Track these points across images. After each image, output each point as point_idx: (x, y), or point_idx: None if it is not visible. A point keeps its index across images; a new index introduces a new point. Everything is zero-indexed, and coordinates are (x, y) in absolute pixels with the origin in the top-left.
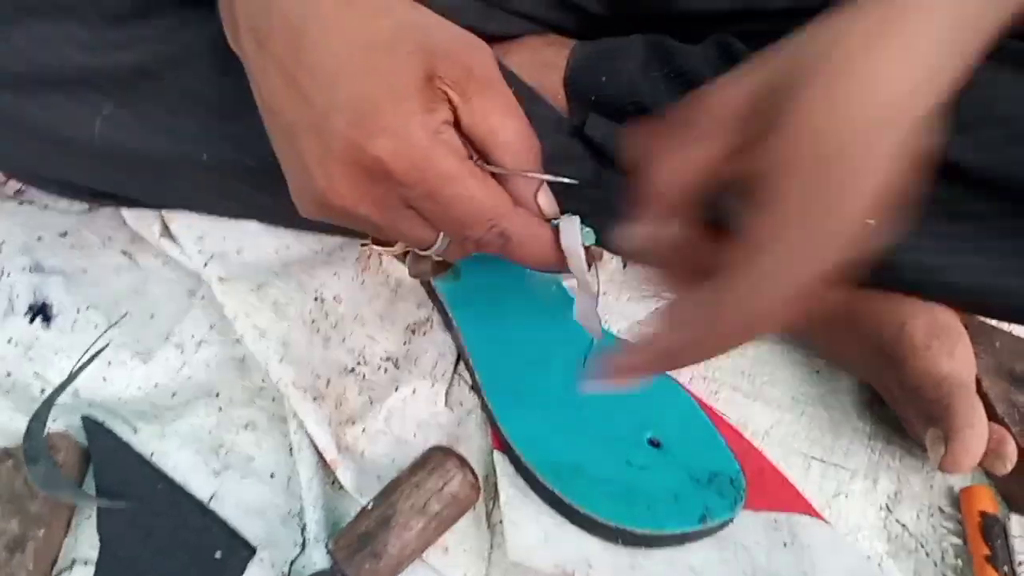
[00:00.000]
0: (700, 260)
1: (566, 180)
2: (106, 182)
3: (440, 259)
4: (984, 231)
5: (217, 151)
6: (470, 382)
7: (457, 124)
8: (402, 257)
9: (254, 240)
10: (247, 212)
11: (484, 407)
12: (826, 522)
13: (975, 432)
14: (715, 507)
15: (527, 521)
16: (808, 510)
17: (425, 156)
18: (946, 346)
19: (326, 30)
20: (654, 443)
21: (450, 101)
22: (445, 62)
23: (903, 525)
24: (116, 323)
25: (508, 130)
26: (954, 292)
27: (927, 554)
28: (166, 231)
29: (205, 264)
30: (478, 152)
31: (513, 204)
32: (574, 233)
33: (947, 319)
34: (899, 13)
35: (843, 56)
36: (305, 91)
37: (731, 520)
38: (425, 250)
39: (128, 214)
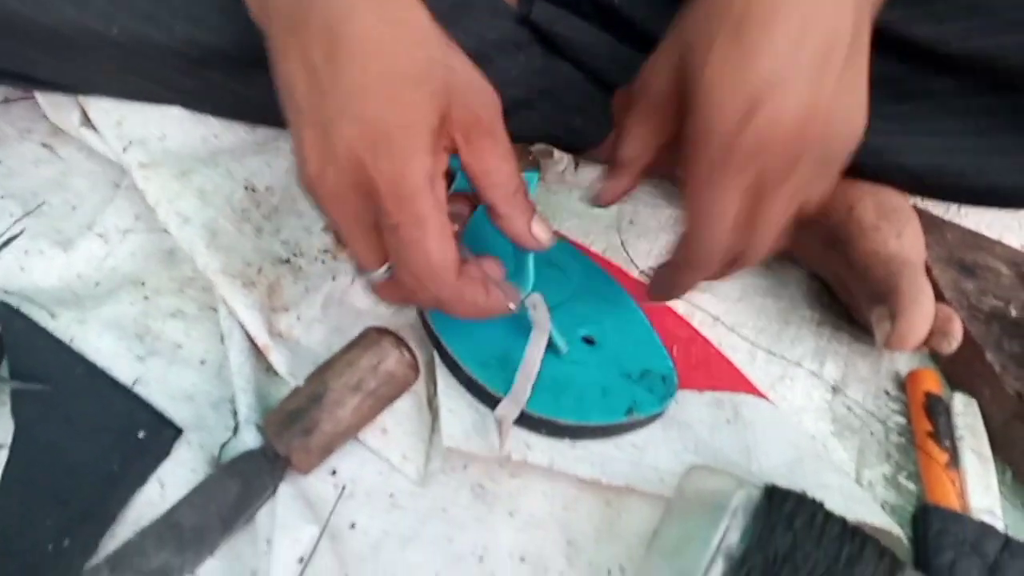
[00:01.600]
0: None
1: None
2: (15, 60)
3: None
4: (938, 110)
5: (128, 26)
6: None
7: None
8: None
9: (178, 126)
10: (169, 96)
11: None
12: (771, 402)
13: (921, 309)
14: (643, 401)
15: (465, 408)
16: (753, 390)
17: (413, 194)
18: (895, 227)
19: (364, 45)
20: (588, 340)
21: (454, 141)
22: (460, 107)
23: (848, 407)
24: (32, 211)
25: (502, 172)
26: (905, 173)
27: (871, 433)
28: (86, 121)
29: (124, 149)
30: (474, 188)
31: (456, 274)
32: (542, 342)
33: (897, 201)
34: None
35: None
36: (324, 90)
37: (659, 414)
38: (364, 272)
39: (46, 103)
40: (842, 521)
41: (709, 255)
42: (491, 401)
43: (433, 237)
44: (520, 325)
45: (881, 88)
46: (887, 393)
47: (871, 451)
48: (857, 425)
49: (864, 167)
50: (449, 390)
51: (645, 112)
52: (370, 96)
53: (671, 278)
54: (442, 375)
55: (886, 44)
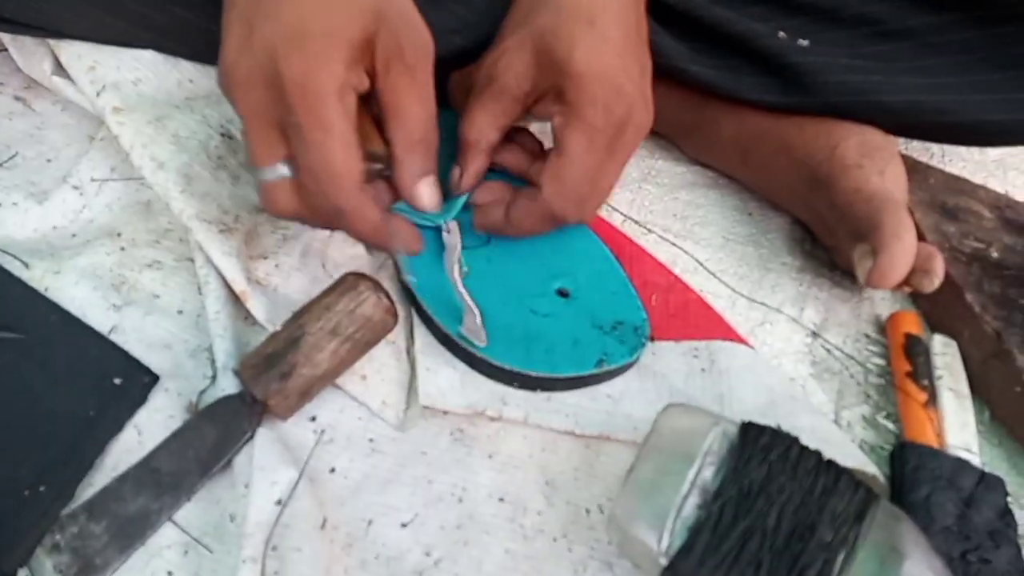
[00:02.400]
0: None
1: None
2: None
3: None
4: (918, 48)
5: None
6: None
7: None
8: None
9: (152, 70)
10: (139, 36)
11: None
12: (749, 347)
13: (903, 245)
14: (614, 352)
15: (442, 365)
16: (732, 336)
17: (319, 99)
18: (877, 165)
19: None
20: (562, 293)
21: (374, 69)
22: (387, 34)
23: (828, 350)
24: (5, 163)
25: (411, 113)
26: (887, 112)
27: (851, 375)
28: (58, 69)
29: (98, 94)
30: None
31: (358, 185)
32: (453, 256)
33: (879, 140)
34: None
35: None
36: None
37: (631, 365)
38: (257, 169)
39: (17, 53)
40: (817, 454)
41: (563, 198)
42: (466, 356)
43: (337, 142)
44: (495, 282)
45: (861, 27)
46: (867, 336)
47: (850, 392)
48: (836, 368)
49: (846, 107)
50: (427, 348)
51: (494, 97)
52: (301, 1)
53: (530, 215)
54: (419, 333)
55: None
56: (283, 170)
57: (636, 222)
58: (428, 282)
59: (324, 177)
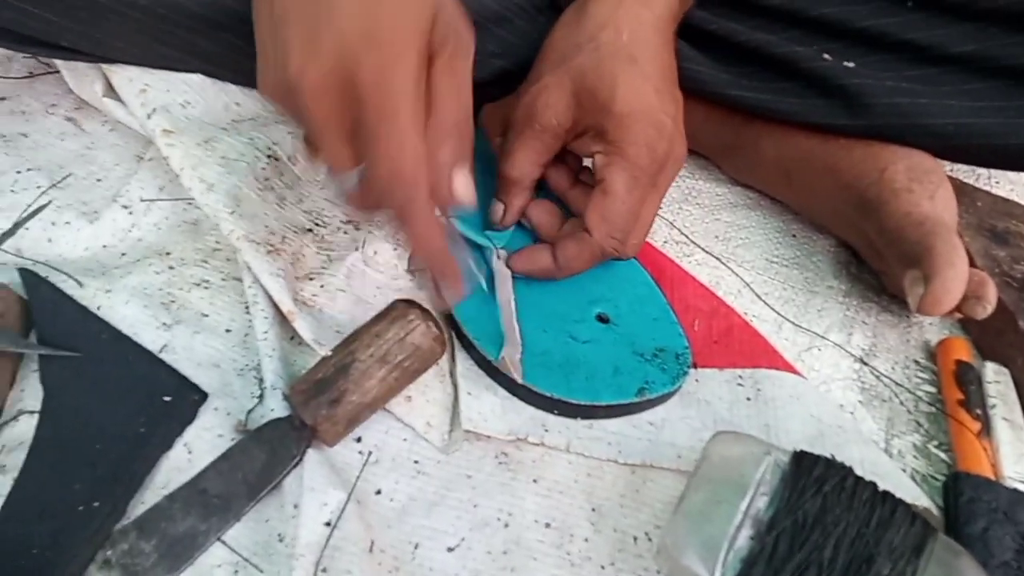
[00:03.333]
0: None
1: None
2: (40, 27)
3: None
4: (965, 72)
5: None
6: None
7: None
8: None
9: (200, 94)
10: (188, 62)
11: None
12: (798, 373)
13: (956, 271)
14: (656, 381)
15: (483, 390)
16: (778, 363)
17: (396, 92)
18: (927, 189)
19: None
20: (602, 319)
21: (433, 51)
22: (445, 18)
23: (877, 375)
24: (59, 183)
25: (449, 105)
26: (934, 135)
27: (901, 402)
28: (109, 91)
29: (148, 116)
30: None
31: (426, 179)
32: (506, 287)
33: (929, 164)
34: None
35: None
36: None
37: (673, 393)
38: (337, 175)
39: (69, 76)
40: (872, 485)
41: (613, 237)
42: (506, 381)
43: (410, 136)
44: (534, 308)
45: (908, 51)
46: (916, 363)
47: (900, 421)
48: (886, 395)
49: (893, 129)
50: (468, 372)
51: (535, 135)
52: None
53: (579, 256)
54: (461, 357)
55: (915, 5)
56: (360, 169)
57: (678, 242)
58: (469, 305)
59: (396, 172)
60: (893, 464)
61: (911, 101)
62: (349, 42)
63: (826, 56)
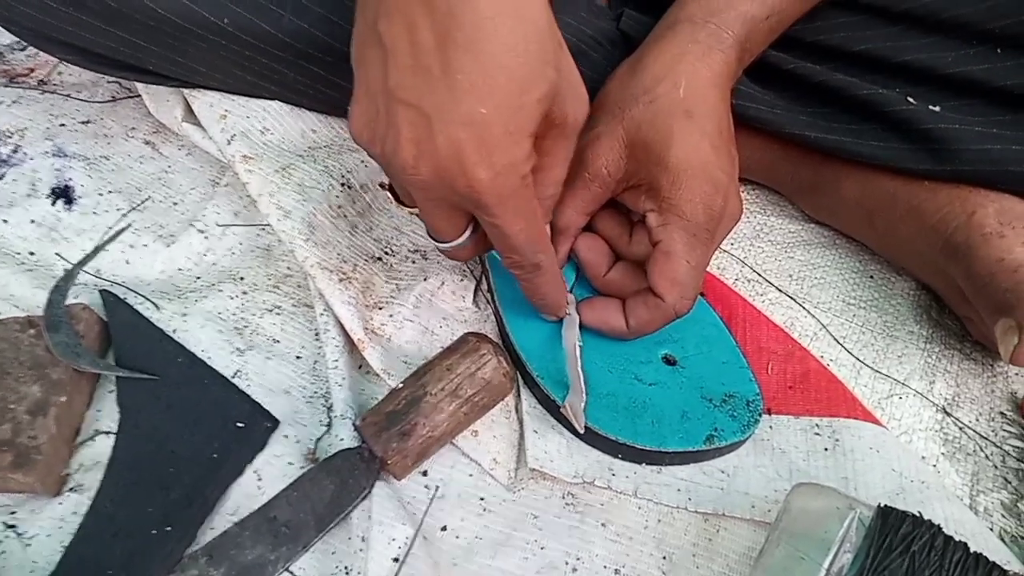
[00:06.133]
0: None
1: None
2: (126, 51)
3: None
4: None
5: (238, 16)
6: (486, 287)
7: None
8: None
9: (278, 120)
10: (267, 89)
11: (496, 314)
12: (878, 423)
13: None
14: (725, 428)
15: (548, 430)
16: (857, 412)
17: (511, 195)
18: (1020, 235)
19: (482, 36)
20: (669, 360)
21: (550, 122)
22: (556, 107)
23: (961, 427)
24: (138, 206)
25: (557, 172)
26: None
27: (987, 456)
28: (188, 116)
29: (229, 142)
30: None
31: (546, 248)
32: (573, 333)
33: (1020, 208)
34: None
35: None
36: (432, 76)
37: (743, 442)
38: (443, 242)
39: (150, 102)
40: (964, 546)
41: (685, 299)
42: (570, 423)
43: (527, 228)
44: (599, 348)
45: (997, 97)
46: (1003, 415)
47: (986, 476)
48: (971, 448)
49: (983, 176)
50: (533, 411)
51: (584, 184)
52: (482, 97)
53: (652, 321)
54: (525, 394)
55: (1003, 47)
56: (465, 238)
57: (750, 280)
58: (535, 342)
59: (521, 251)
60: (980, 523)
61: (1003, 147)
62: (463, 151)
63: (910, 100)
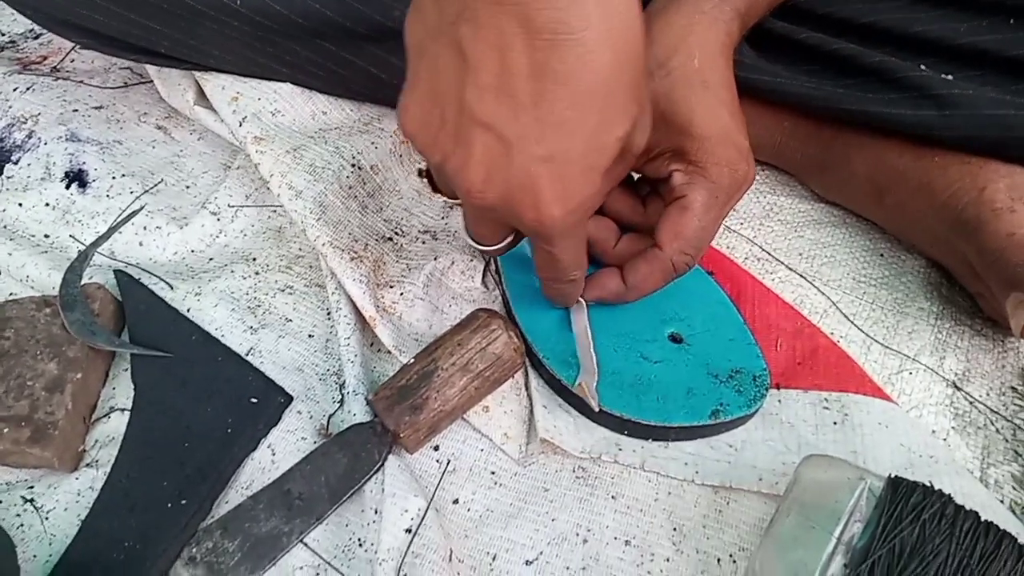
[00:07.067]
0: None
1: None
2: (139, 34)
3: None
4: None
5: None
6: (494, 268)
7: None
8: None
9: (289, 102)
10: (279, 71)
11: (503, 296)
12: (888, 398)
13: None
14: (731, 403)
15: (557, 408)
16: (867, 387)
17: (574, 229)
18: None
19: (578, 75)
20: (675, 338)
21: (623, 152)
22: (628, 140)
23: (971, 401)
24: (151, 189)
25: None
26: None
27: (997, 430)
28: (200, 100)
29: (240, 124)
30: None
31: (585, 268)
32: (582, 315)
33: None
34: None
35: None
36: (520, 104)
37: (749, 416)
38: (480, 244)
39: (162, 87)
40: (975, 514)
41: (684, 254)
42: (576, 401)
43: (576, 255)
44: (605, 327)
45: (1009, 66)
46: (1013, 390)
47: (997, 449)
48: (981, 422)
49: (997, 144)
50: (542, 387)
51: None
52: (571, 133)
53: (650, 276)
54: (533, 372)
55: (1016, 17)
56: (503, 245)
57: (759, 259)
58: (540, 324)
59: (565, 271)
60: (990, 495)
61: (1016, 113)
62: (539, 183)
63: (923, 67)
